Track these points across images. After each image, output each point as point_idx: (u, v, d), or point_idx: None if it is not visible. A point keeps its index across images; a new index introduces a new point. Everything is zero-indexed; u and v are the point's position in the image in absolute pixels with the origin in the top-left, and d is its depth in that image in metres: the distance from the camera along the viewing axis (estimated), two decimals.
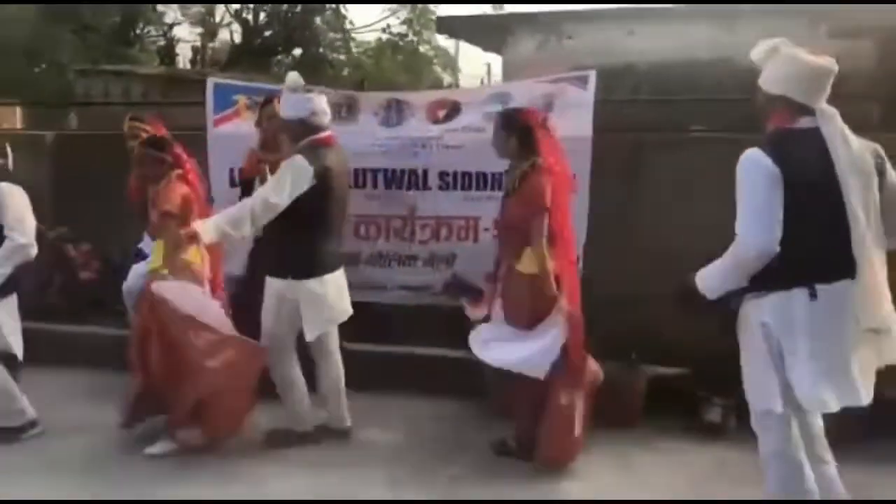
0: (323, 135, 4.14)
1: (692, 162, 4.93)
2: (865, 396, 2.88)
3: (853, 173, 2.86)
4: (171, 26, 13.11)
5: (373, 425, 4.55)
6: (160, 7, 12.69)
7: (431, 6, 14.89)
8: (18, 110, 10.08)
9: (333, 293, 4.18)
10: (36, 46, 13.02)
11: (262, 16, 14.02)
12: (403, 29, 15.64)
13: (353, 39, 14.96)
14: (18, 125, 9.36)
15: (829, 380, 2.85)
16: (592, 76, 5.00)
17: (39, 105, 8.49)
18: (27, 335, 4.43)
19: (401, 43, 15.57)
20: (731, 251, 2.94)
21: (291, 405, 4.28)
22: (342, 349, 4.46)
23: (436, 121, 5.26)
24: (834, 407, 2.86)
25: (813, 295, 2.86)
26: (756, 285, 2.95)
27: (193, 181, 4.42)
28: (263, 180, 4.57)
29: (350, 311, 4.32)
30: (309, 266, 4.07)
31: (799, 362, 2.86)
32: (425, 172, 5.20)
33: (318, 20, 13.83)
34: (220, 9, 14.41)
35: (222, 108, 5.50)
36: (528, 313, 4.01)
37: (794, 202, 2.84)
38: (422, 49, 16.16)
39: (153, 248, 4.41)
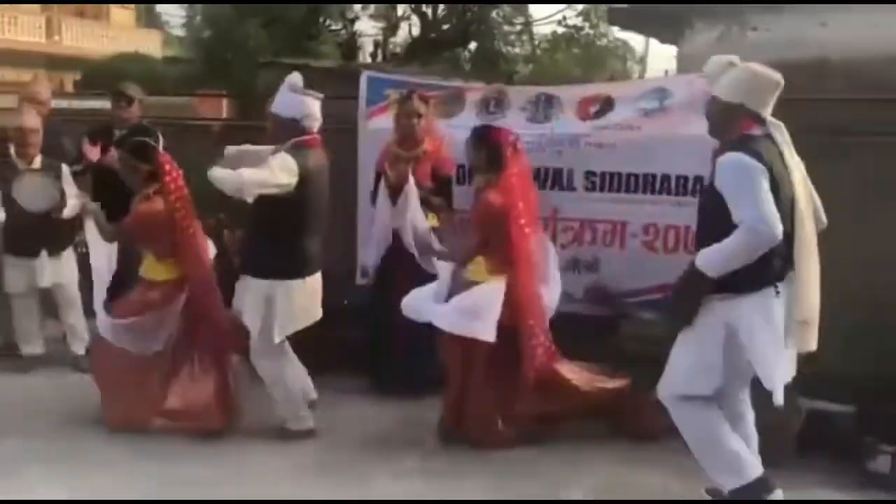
0: (307, 137, 4.07)
1: (881, 168, 4.33)
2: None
3: (799, 176, 3.24)
4: (352, 20, 13.54)
5: None
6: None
7: None
8: (224, 102, 10.68)
9: (310, 296, 4.14)
10: (232, 39, 13.87)
11: (440, 9, 14.16)
12: (579, 21, 15.32)
13: (528, 33, 14.79)
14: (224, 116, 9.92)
15: (782, 367, 3.19)
16: None
17: (243, 97, 8.98)
18: None
19: (576, 35, 15.19)
20: (741, 236, 3.08)
21: (286, 404, 4.22)
22: None
23: (586, 117, 4.96)
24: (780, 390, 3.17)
25: (777, 293, 3.18)
26: (729, 287, 3.18)
27: (176, 193, 4.17)
28: (399, 178, 4.52)
29: (319, 314, 4.21)
30: (290, 267, 4.03)
31: (764, 356, 3.14)
32: (570, 172, 4.91)
33: (495, 14, 13.76)
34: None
35: (375, 102, 5.48)
36: None
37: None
38: (601, 42, 15.72)
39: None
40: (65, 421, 4.30)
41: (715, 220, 3.21)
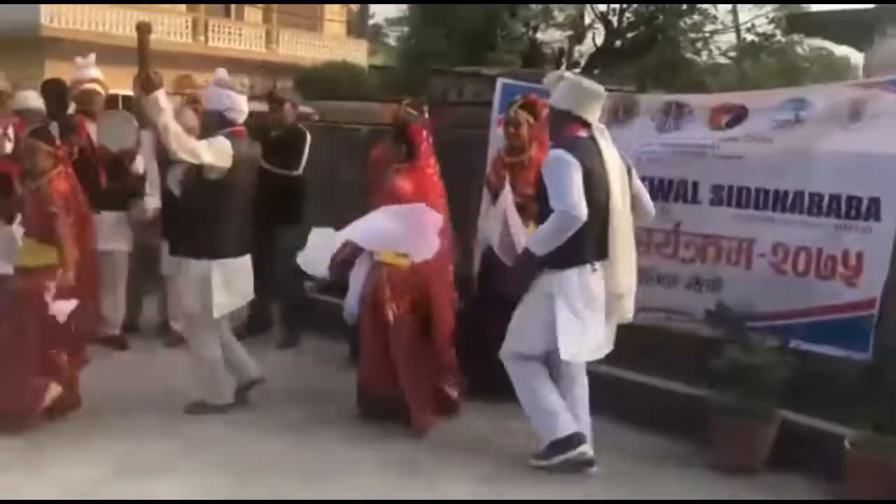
0: (236, 128, 4.34)
1: None
2: (607, 349, 3.91)
3: (616, 174, 3.77)
4: (534, 29, 13.58)
5: None
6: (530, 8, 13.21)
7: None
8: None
9: (242, 274, 4.38)
10: (420, 49, 14.48)
11: (626, 17, 13.85)
12: (770, 28, 14.21)
13: (714, 41, 14.08)
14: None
15: (585, 338, 3.74)
16: None
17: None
18: None
19: (766, 43, 14.14)
20: (555, 221, 3.64)
21: (209, 381, 4.43)
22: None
23: (717, 127, 4.69)
24: (585, 358, 3.86)
25: (594, 269, 3.76)
26: (554, 263, 3.72)
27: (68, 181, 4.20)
28: (497, 184, 4.51)
29: (251, 294, 4.48)
30: (225, 247, 4.29)
31: (568, 323, 3.68)
32: (695, 184, 4.67)
33: (682, 22, 13.23)
34: (588, 11, 14.61)
35: (505, 109, 5.50)
36: None
37: (586, 194, 3.63)
38: (797, 50, 14.50)
39: (24, 246, 4.27)
40: None
41: (545, 206, 3.74)
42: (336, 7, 26.64)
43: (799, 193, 4.36)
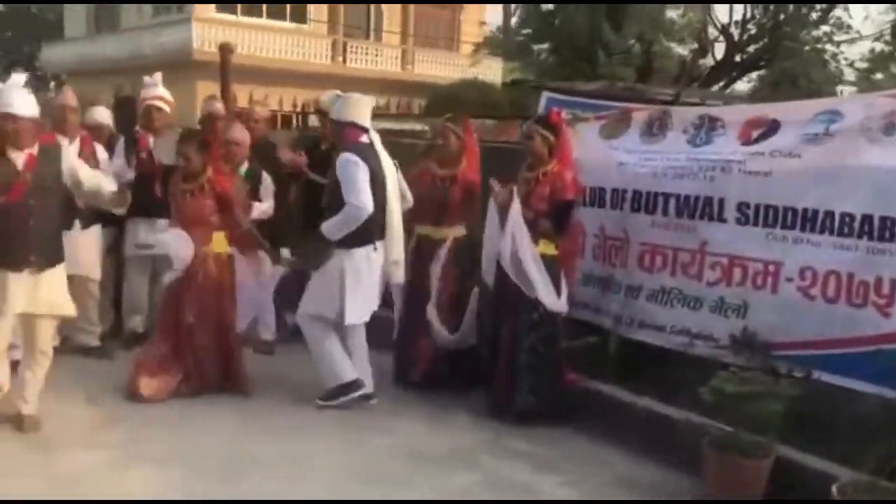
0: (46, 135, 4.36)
1: None
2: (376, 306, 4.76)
3: (390, 172, 4.64)
4: (650, 42, 13.15)
5: (555, 473, 3.97)
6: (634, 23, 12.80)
7: None
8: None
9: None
10: (532, 63, 14.47)
11: (748, 29, 13.11)
12: None
13: (841, 51, 12.98)
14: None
15: (365, 305, 4.62)
16: None
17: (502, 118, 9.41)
18: None
19: None
20: (346, 213, 4.42)
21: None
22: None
23: (747, 141, 4.41)
24: (364, 320, 4.69)
25: (375, 248, 4.58)
26: (345, 244, 4.49)
27: None
28: (504, 198, 4.45)
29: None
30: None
31: (353, 293, 4.52)
32: (721, 202, 4.40)
33: (809, 33, 12.37)
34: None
35: None
36: None
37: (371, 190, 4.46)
38: None
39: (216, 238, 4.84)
40: None
41: (336, 198, 4.45)
42: (473, 28, 27.01)
43: (829, 213, 4.01)
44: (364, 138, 4.61)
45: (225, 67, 7.32)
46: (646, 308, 4.72)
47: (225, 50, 7.33)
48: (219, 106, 6.13)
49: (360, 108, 4.67)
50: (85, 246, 5.15)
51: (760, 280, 4.26)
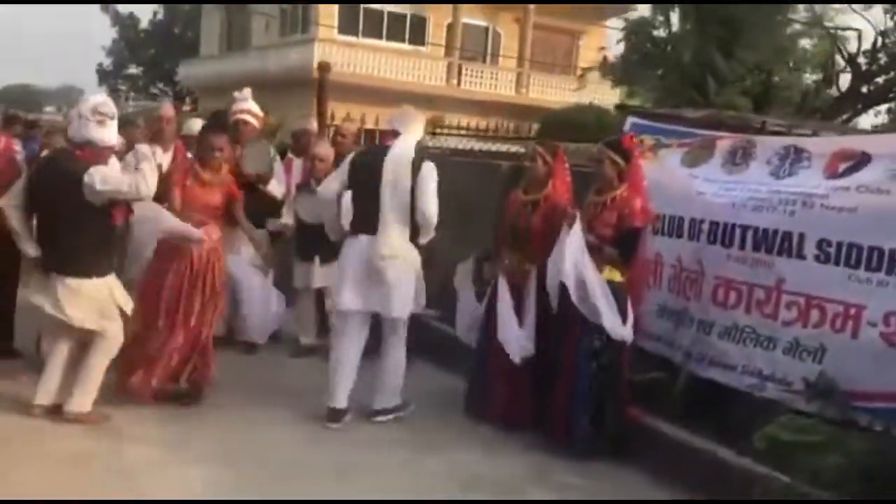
0: None
1: None
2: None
3: (395, 177, 4.60)
4: (768, 72, 12.53)
5: None
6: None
7: None
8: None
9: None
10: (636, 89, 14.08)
11: (878, 58, 12.30)
12: None
13: None
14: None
15: (359, 293, 4.59)
16: None
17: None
18: None
19: None
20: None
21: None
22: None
23: (833, 175, 4.14)
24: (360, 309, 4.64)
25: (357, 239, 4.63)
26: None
27: None
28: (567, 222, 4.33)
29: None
30: None
31: (346, 281, 4.62)
32: (801, 237, 4.14)
33: None
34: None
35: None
36: None
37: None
38: None
39: None
40: None
41: None
42: (591, 54, 26.78)
43: None
44: (390, 142, 4.65)
45: (322, 85, 7.54)
46: (717, 345, 4.48)
47: (323, 69, 7.56)
48: (312, 122, 6.33)
49: (404, 118, 4.73)
50: None
51: (840, 323, 3.97)
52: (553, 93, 25.26)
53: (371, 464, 4.16)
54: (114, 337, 4.33)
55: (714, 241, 4.55)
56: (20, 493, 3.51)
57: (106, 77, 37.02)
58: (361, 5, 22.84)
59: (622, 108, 15.77)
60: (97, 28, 47.91)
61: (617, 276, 4.31)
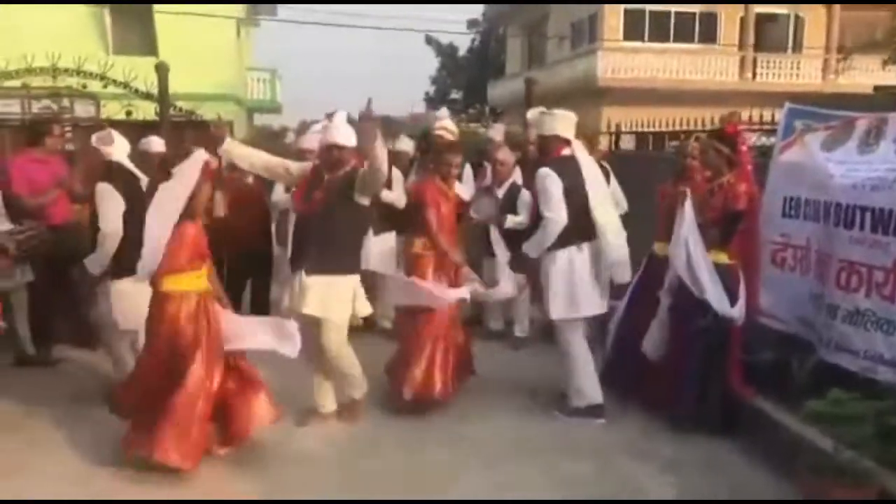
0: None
1: None
2: (601, 307, 4.90)
3: (594, 180, 4.82)
4: None
5: (677, 476, 4.02)
6: None
7: None
8: None
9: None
10: None
11: None
12: None
13: None
14: None
15: (573, 300, 4.77)
16: None
17: None
18: None
19: None
20: (543, 227, 4.70)
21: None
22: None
23: None
24: (580, 315, 4.82)
25: (579, 249, 4.76)
26: (552, 246, 4.75)
27: None
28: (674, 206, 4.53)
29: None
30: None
31: (555, 292, 4.77)
32: None
33: None
34: None
35: (789, 134, 5.28)
36: None
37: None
38: None
39: None
40: None
41: (537, 210, 4.79)
42: None
43: None
44: (566, 151, 4.79)
45: (528, 95, 8.23)
46: (842, 330, 4.40)
47: (530, 82, 8.27)
48: (501, 130, 7.13)
49: (564, 123, 4.84)
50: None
51: None
52: (871, 77, 22.90)
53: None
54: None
55: (838, 224, 4.47)
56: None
57: (432, 104, 40.79)
58: (647, 7, 22.79)
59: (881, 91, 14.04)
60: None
61: (723, 258, 4.49)
